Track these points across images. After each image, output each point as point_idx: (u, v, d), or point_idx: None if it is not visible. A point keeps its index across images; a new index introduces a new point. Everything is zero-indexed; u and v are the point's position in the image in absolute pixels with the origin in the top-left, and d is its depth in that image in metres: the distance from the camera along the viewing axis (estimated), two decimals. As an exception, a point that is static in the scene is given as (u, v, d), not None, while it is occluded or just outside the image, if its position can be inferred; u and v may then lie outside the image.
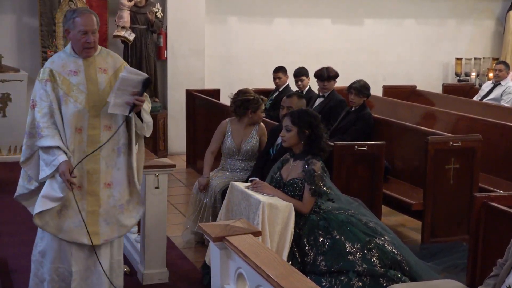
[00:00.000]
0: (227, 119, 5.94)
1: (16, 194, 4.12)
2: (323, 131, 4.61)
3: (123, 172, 4.03)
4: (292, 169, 4.61)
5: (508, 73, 9.20)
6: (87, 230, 3.92)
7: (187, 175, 8.26)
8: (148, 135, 4.10)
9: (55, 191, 3.86)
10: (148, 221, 4.73)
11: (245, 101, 5.75)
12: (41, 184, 3.96)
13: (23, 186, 4.08)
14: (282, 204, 4.38)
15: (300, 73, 7.89)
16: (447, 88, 9.83)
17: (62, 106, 3.90)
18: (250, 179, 4.81)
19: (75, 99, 3.90)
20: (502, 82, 9.14)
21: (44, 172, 3.86)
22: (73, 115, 3.89)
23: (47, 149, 3.83)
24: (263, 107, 5.85)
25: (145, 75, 3.95)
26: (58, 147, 3.82)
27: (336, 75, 7.29)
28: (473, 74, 11.07)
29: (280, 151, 5.25)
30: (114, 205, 4.01)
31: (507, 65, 9.30)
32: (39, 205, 3.88)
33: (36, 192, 4.02)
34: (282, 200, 4.44)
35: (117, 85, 3.86)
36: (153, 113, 8.33)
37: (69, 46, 4.03)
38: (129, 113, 3.90)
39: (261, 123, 5.88)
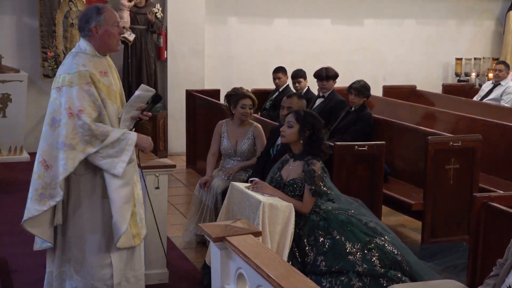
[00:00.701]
0: (223, 120, 5.93)
1: (24, 218, 3.83)
2: (324, 135, 4.62)
3: (137, 170, 4.11)
4: (292, 170, 4.61)
5: (508, 73, 9.21)
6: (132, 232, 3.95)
7: (187, 175, 8.26)
8: None
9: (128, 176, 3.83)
10: (148, 222, 4.72)
11: (227, 96, 5.80)
12: (53, 205, 3.84)
13: (32, 208, 3.81)
14: (282, 204, 4.38)
15: (298, 74, 7.89)
16: (447, 88, 9.84)
17: (106, 109, 3.85)
18: (250, 179, 4.81)
19: (113, 100, 3.88)
20: (502, 82, 9.14)
21: (122, 161, 3.77)
22: (115, 117, 3.88)
23: (113, 142, 3.77)
24: (248, 103, 5.69)
25: (154, 91, 3.96)
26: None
27: (335, 75, 7.29)
28: (473, 74, 11.08)
29: (280, 152, 5.25)
30: (140, 202, 4.07)
31: (507, 65, 9.30)
32: (125, 221, 3.82)
33: (47, 214, 3.86)
34: (282, 201, 4.45)
35: (131, 102, 3.89)
36: (153, 113, 8.34)
37: (88, 47, 3.89)
38: (134, 127, 3.95)
39: (258, 124, 5.82)
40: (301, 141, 4.60)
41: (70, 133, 3.72)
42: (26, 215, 3.83)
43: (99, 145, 3.73)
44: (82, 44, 3.92)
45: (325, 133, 4.64)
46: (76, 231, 3.92)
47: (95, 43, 3.89)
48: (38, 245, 4.04)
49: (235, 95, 5.75)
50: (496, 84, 9.19)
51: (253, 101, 5.76)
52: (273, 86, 8.32)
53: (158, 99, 4.00)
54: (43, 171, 3.78)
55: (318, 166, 4.49)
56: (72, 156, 3.72)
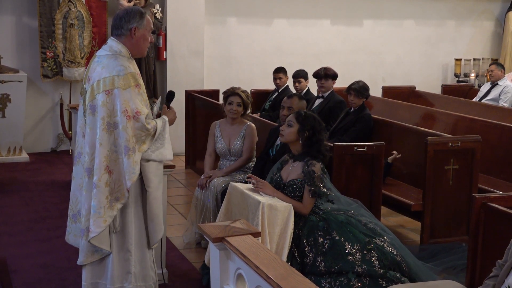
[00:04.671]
0: (217, 121, 5.93)
1: (93, 235, 3.78)
2: (324, 137, 4.62)
3: None
4: (292, 170, 4.62)
5: (502, 72, 9.22)
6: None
7: (186, 175, 8.26)
8: None
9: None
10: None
11: (222, 95, 5.82)
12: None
13: (107, 215, 3.79)
14: (281, 205, 4.39)
15: (299, 75, 7.89)
16: (446, 89, 9.84)
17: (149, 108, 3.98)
18: (248, 175, 4.81)
19: (147, 102, 3.94)
20: (500, 82, 9.17)
21: (167, 148, 3.93)
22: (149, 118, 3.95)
23: (158, 136, 3.89)
24: (235, 100, 5.66)
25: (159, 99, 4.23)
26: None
27: (334, 75, 7.29)
28: (472, 75, 11.09)
29: (279, 152, 5.25)
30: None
31: (499, 65, 9.38)
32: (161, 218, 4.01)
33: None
34: (282, 201, 4.45)
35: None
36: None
37: (124, 49, 3.88)
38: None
39: (252, 124, 5.75)
40: (300, 142, 4.59)
41: (131, 136, 3.75)
42: (96, 230, 3.77)
43: (151, 140, 3.85)
44: (116, 46, 3.89)
45: (325, 137, 4.64)
46: (138, 235, 3.97)
47: (129, 45, 3.89)
48: (84, 258, 3.93)
49: (226, 92, 5.78)
50: (493, 85, 9.21)
51: (242, 99, 5.69)
52: (272, 87, 8.32)
53: (172, 95, 4.20)
54: (108, 177, 3.79)
55: (318, 167, 4.49)
56: (136, 159, 3.78)
